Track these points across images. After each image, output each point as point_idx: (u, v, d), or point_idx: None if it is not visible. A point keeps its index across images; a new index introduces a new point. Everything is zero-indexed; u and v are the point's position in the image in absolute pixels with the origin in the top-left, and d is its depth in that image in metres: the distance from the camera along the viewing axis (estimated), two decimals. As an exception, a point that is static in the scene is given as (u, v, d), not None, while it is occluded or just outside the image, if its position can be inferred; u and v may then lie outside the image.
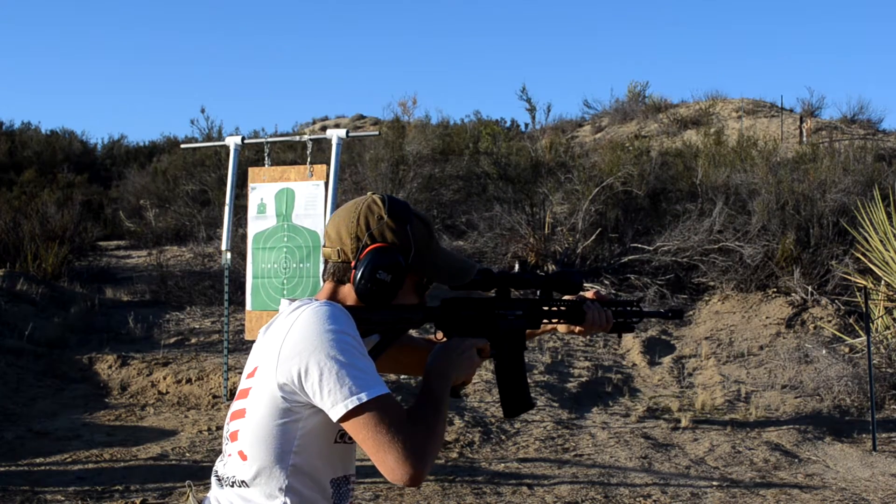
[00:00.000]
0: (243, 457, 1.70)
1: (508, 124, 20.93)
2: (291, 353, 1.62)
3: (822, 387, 7.33)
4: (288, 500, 1.68)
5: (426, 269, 1.81)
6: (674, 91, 57.19)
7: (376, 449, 1.57)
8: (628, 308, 2.08)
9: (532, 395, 7.20)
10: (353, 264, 1.75)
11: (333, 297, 1.79)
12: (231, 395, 6.49)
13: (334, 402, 1.58)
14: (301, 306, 1.69)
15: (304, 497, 1.69)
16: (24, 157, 16.94)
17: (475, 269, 1.85)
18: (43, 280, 9.67)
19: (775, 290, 9.69)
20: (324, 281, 1.83)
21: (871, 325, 6.98)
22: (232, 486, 1.72)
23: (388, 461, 1.57)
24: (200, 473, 5.16)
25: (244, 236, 7.54)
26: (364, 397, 1.58)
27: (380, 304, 1.76)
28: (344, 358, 1.60)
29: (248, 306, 6.33)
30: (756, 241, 10.05)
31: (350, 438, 1.75)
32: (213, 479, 1.79)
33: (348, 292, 1.78)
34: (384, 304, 1.77)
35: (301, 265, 6.07)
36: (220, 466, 1.77)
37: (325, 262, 1.83)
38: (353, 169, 12.41)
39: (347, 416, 1.58)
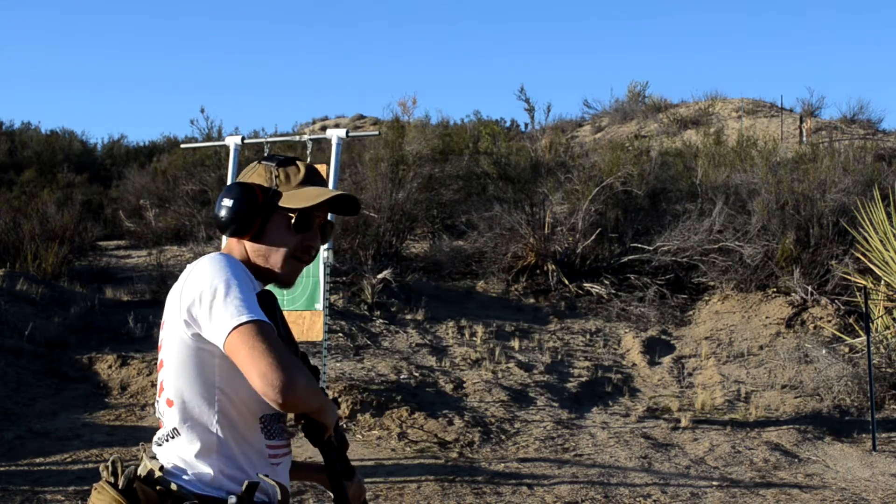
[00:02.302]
0: (170, 403, 1.75)
1: (508, 124, 20.91)
2: (190, 293, 1.69)
3: (822, 387, 7.33)
4: (220, 437, 1.70)
5: (289, 201, 1.81)
6: (674, 91, 57.05)
7: (252, 360, 1.57)
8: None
9: (532, 394, 7.21)
10: None
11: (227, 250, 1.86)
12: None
13: (221, 323, 1.62)
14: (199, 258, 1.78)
15: (237, 432, 1.71)
16: (24, 157, 16.92)
17: (335, 193, 1.83)
18: (43, 280, 9.66)
19: (775, 290, 9.69)
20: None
21: (870, 325, 6.98)
22: (167, 440, 1.75)
23: (261, 366, 1.56)
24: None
25: (244, 236, 7.53)
26: (247, 318, 1.61)
27: (237, 233, 1.79)
28: (233, 288, 1.65)
29: (248, 306, 6.33)
30: (756, 241, 10.05)
31: None
32: (153, 446, 1.79)
33: (234, 244, 1.85)
34: (243, 234, 1.79)
35: (301, 265, 6.08)
36: (159, 432, 1.79)
37: None
38: (353, 169, 12.39)
39: (232, 337, 1.60)
